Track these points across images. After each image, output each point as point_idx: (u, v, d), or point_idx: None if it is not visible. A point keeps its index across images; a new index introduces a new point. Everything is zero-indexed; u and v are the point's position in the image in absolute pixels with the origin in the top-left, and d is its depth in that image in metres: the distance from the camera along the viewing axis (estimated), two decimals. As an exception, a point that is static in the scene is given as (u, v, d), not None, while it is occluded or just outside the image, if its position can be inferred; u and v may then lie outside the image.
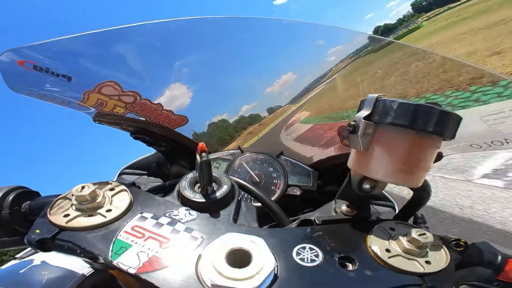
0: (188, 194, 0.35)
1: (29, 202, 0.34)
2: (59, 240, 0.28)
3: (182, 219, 0.31)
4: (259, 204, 0.42)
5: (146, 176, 0.66)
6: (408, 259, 0.30)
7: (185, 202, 0.34)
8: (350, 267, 0.28)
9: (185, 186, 0.36)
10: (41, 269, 0.43)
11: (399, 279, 0.28)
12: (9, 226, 0.32)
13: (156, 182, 0.51)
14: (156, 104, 0.61)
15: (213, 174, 0.36)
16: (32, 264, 0.44)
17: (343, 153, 0.63)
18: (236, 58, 0.68)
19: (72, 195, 0.31)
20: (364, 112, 0.29)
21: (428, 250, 0.31)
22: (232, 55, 0.67)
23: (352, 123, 0.30)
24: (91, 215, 0.30)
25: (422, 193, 0.42)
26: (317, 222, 0.35)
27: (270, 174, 0.61)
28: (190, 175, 0.38)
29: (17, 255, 0.59)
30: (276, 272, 0.25)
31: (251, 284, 0.23)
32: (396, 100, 0.27)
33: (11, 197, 0.33)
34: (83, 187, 0.30)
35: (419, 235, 0.30)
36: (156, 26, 0.53)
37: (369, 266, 0.28)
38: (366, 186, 0.32)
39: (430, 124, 0.26)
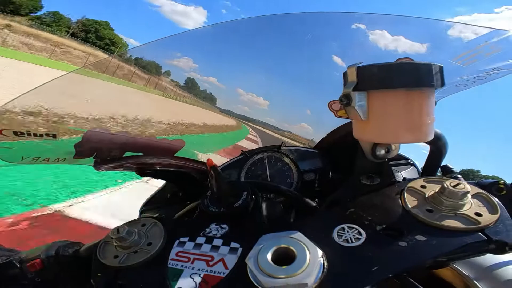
0: (213, 209, 0.35)
1: (75, 249, 0.37)
2: (122, 279, 0.30)
3: (216, 234, 0.32)
4: (282, 198, 0.42)
5: (165, 207, 0.66)
6: (456, 214, 0.26)
7: (213, 218, 0.34)
8: (397, 236, 0.26)
9: (207, 203, 0.36)
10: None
11: (460, 239, 0.24)
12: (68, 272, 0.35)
13: (177, 210, 0.51)
14: (148, 137, 0.60)
15: (229, 183, 0.37)
16: None
17: (341, 125, 0.63)
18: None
19: (111, 238, 0.32)
20: (352, 83, 0.29)
21: (471, 201, 0.28)
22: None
23: (343, 97, 0.30)
24: (136, 251, 0.32)
25: (438, 144, 0.41)
26: (345, 199, 0.35)
27: (281, 168, 0.60)
28: (208, 193, 0.38)
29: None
30: (324, 260, 0.25)
31: (304, 276, 0.23)
32: (375, 65, 0.27)
33: (60, 249, 0.36)
34: (118, 229, 0.32)
35: (454, 186, 0.27)
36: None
37: (418, 231, 0.26)
38: (381, 152, 0.32)
39: (416, 79, 0.26)
